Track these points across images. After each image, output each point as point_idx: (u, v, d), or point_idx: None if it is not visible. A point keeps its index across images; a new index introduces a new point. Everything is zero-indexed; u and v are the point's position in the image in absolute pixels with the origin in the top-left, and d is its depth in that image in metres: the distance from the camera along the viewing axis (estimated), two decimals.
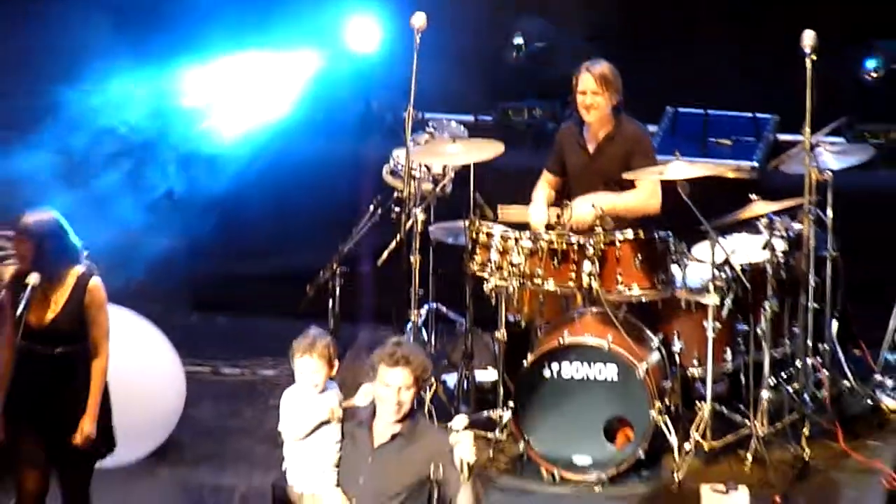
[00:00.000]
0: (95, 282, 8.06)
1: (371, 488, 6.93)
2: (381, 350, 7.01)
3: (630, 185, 8.74)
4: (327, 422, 7.15)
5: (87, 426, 7.57)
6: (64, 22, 12.25)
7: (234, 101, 11.70)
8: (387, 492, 6.86)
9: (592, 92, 8.22)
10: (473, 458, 6.64)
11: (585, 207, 8.42)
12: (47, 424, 7.81)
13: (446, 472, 6.74)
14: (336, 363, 7.47)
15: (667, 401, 8.81)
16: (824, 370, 9.48)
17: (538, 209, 9.20)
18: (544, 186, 9.07)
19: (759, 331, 8.94)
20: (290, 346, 7.41)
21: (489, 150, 8.77)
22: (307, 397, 7.32)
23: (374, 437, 6.85)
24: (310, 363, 7.28)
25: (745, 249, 9.22)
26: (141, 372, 9.15)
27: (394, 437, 6.95)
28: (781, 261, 9.05)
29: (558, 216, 9.14)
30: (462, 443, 6.62)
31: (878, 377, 9.65)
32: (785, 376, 9.33)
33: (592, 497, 8.63)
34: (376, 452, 6.83)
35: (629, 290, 8.64)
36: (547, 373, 8.55)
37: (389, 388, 6.68)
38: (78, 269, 8.00)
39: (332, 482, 7.23)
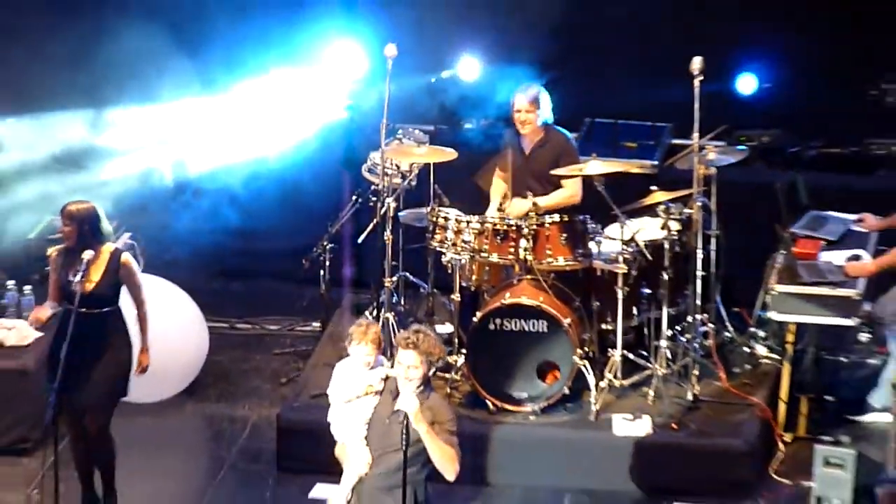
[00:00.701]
0: (126, 256, 9.10)
1: (383, 443, 7.95)
2: (401, 333, 8.14)
3: (557, 180, 10.04)
4: (367, 394, 8.11)
5: (144, 360, 8.77)
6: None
7: (257, 121, 12.73)
8: (394, 445, 7.81)
9: (526, 110, 9.76)
10: (411, 408, 7.71)
11: (522, 204, 9.88)
12: (86, 371, 8.82)
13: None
14: (382, 344, 8.52)
15: (586, 348, 9.92)
16: (710, 324, 10.67)
17: (520, 204, 10.41)
18: (498, 182, 10.41)
19: (658, 294, 10.08)
20: (348, 332, 8.46)
21: (446, 153, 10.16)
22: (357, 373, 8.24)
23: (394, 404, 7.81)
24: (364, 349, 8.19)
25: (647, 229, 10.25)
26: (173, 327, 10.50)
27: None
28: (675, 238, 10.08)
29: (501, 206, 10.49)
30: (403, 396, 7.83)
31: (752, 329, 10.86)
32: (679, 329, 10.37)
33: (528, 424, 9.87)
34: (393, 416, 7.80)
35: (556, 261, 9.79)
36: (492, 326, 9.67)
37: (400, 366, 7.67)
38: (110, 247, 9.03)
39: (361, 436, 8.15)
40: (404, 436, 7.65)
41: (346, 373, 8.34)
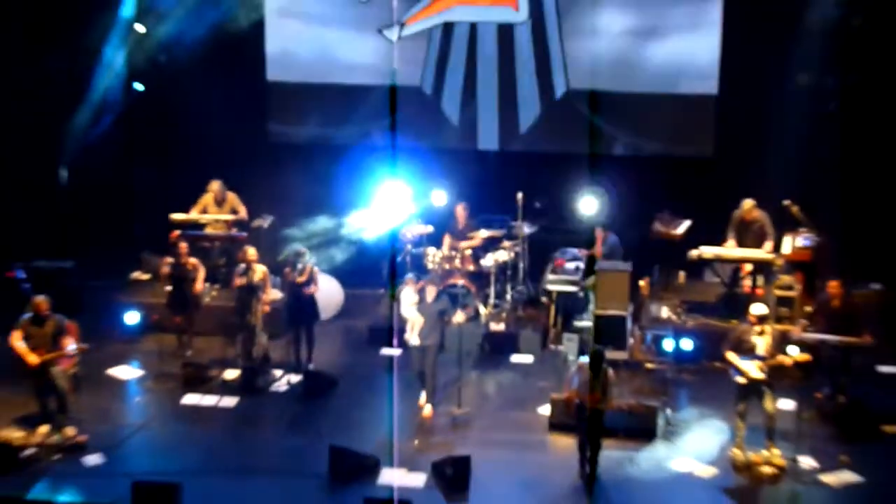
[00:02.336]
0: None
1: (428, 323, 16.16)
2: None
3: None
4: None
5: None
6: None
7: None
8: (434, 315, 16.07)
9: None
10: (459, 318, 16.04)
11: None
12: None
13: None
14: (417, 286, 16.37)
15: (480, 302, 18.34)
16: (520, 288, 18.96)
17: None
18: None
19: (515, 281, 18.67)
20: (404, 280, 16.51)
21: None
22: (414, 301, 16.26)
23: (433, 305, 16.06)
24: (411, 290, 16.35)
25: (500, 254, 18.78)
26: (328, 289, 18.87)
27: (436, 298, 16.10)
28: (512, 258, 18.64)
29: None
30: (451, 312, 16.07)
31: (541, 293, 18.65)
32: (514, 291, 18.95)
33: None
34: (433, 307, 16.15)
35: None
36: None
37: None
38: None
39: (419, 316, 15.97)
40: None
41: (410, 300, 16.40)
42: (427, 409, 16.11)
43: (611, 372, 14.84)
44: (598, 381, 14.57)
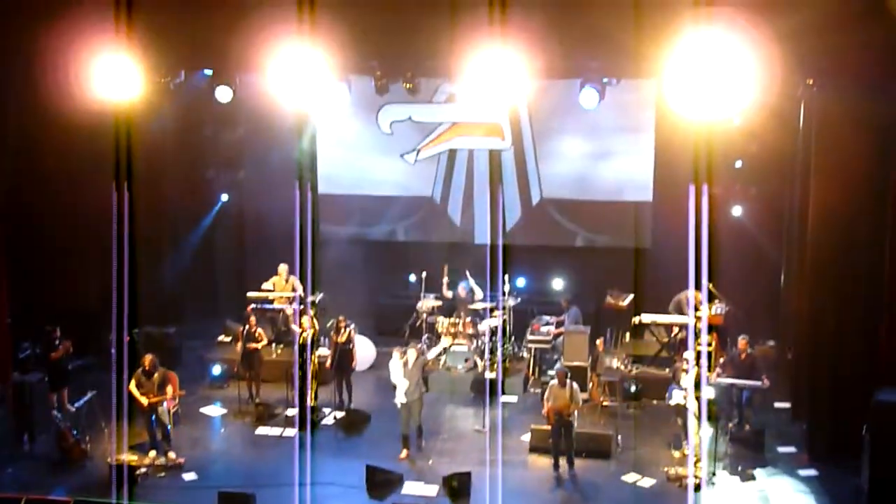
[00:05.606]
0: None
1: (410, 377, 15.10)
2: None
3: None
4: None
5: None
6: None
7: None
8: (417, 374, 15.08)
9: None
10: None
11: None
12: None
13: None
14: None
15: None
16: (509, 344, 18.56)
17: None
18: None
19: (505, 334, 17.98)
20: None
21: None
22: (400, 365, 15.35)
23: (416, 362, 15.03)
24: (398, 358, 15.43)
25: (492, 322, 18.10)
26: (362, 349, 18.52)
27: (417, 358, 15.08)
28: (501, 326, 17.96)
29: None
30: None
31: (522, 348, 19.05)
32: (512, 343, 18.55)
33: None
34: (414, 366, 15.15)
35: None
36: None
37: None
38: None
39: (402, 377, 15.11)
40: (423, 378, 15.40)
41: (397, 365, 15.56)
42: (403, 454, 15.77)
43: (575, 385, 15.10)
44: (565, 391, 14.94)
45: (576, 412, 15.16)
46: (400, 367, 15.48)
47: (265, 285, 19.32)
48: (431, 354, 17.31)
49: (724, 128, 15.91)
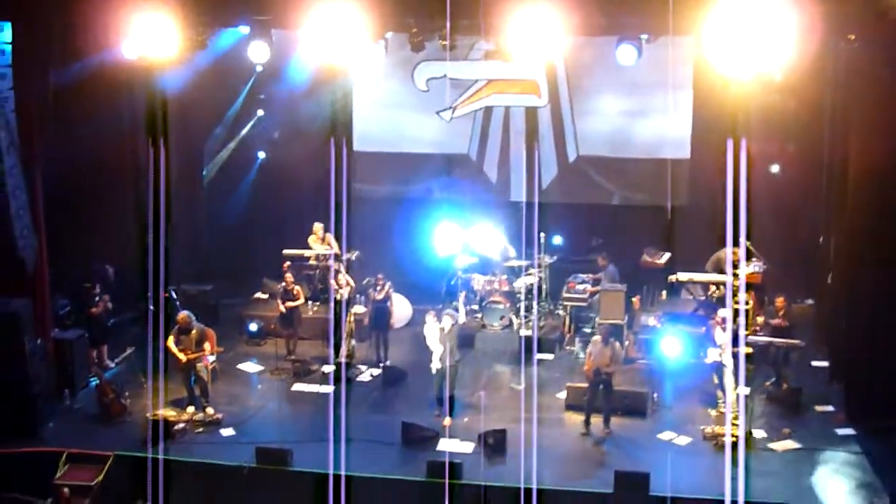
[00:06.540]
0: None
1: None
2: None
3: None
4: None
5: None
6: None
7: None
8: (453, 340, 14.99)
9: None
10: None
11: None
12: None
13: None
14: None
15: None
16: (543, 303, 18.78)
17: None
18: None
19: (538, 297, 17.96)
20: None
21: None
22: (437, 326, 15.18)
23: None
24: (432, 322, 15.33)
25: (528, 279, 18.03)
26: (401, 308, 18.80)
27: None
28: (536, 284, 17.84)
29: None
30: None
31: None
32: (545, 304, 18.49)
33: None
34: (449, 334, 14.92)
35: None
36: None
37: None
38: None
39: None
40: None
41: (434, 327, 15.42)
42: (447, 420, 15.30)
43: (617, 344, 15.20)
44: (607, 348, 14.94)
45: (615, 371, 15.06)
46: (436, 332, 15.33)
47: (311, 242, 19.54)
48: (462, 319, 17.27)
49: (763, 84, 15.71)
